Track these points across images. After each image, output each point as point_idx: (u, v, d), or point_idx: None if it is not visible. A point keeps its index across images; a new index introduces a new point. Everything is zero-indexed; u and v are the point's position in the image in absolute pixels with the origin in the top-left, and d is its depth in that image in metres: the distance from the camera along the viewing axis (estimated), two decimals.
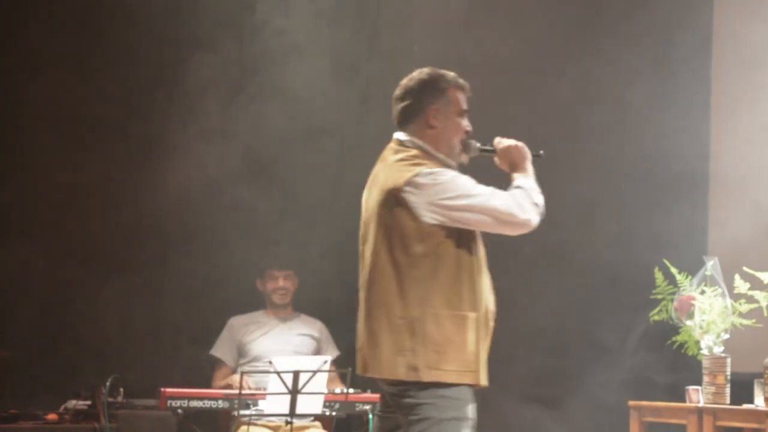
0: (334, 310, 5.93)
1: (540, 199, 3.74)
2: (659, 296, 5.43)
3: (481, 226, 3.71)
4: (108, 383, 5.34)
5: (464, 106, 3.85)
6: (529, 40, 6.15)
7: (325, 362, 5.11)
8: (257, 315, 5.90)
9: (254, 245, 6.04)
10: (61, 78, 6.10)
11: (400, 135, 3.83)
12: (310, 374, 5.01)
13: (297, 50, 6.37)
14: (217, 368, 5.80)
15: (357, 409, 5.33)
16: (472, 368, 3.64)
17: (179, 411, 5.16)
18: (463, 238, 3.70)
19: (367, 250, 3.74)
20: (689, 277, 5.38)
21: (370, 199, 3.80)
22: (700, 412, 5.09)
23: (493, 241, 3.81)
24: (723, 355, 5.12)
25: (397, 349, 3.62)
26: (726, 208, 5.83)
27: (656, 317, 5.48)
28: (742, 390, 5.13)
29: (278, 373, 5.01)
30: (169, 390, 5.18)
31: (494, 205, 3.67)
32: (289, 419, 5.11)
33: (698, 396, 5.13)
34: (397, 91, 3.86)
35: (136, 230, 6.34)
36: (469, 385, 3.65)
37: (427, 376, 3.60)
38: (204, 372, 5.88)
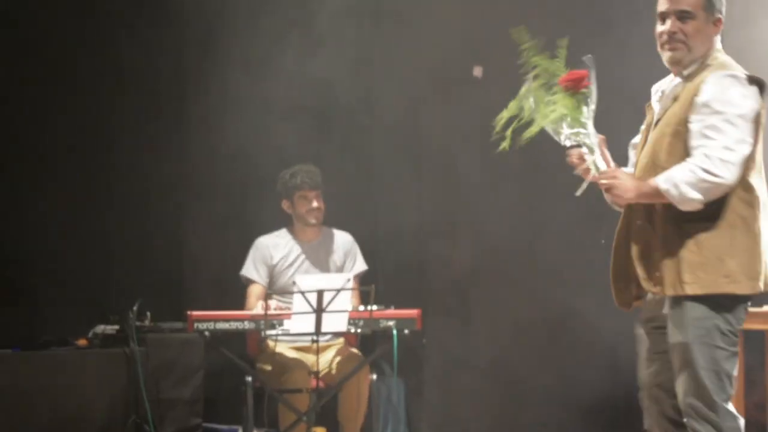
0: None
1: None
2: None
3: None
4: (135, 308, 5.41)
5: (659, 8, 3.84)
6: None
7: (348, 280, 5.16)
8: (283, 237, 5.85)
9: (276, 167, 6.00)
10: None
11: None
12: (334, 293, 5.07)
13: None
14: (250, 288, 5.77)
15: (381, 325, 5.34)
16: None
17: (206, 333, 5.20)
18: None
19: None
20: None
21: None
22: None
23: None
24: None
25: None
26: None
27: None
28: None
29: (302, 292, 5.07)
30: (195, 313, 5.21)
31: None
32: (314, 338, 5.20)
33: None
34: None
35: (160, 162, 6.42)
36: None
37: None
38: (229, 295, 5.91)
